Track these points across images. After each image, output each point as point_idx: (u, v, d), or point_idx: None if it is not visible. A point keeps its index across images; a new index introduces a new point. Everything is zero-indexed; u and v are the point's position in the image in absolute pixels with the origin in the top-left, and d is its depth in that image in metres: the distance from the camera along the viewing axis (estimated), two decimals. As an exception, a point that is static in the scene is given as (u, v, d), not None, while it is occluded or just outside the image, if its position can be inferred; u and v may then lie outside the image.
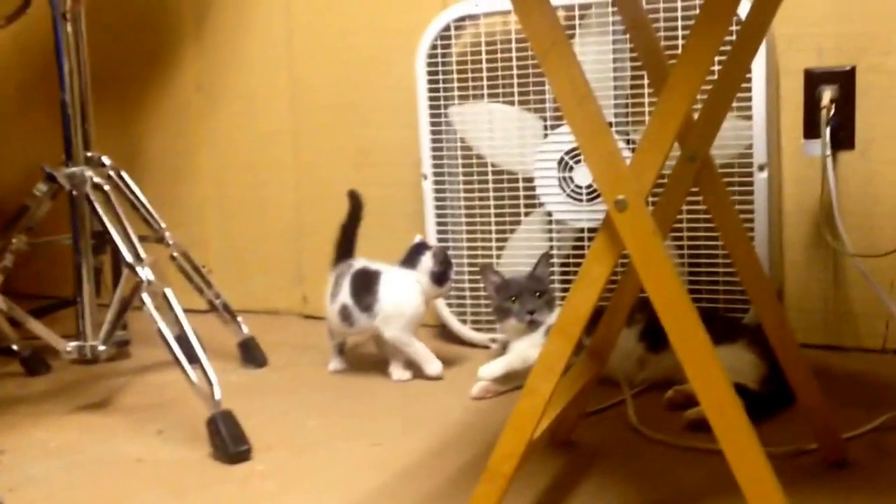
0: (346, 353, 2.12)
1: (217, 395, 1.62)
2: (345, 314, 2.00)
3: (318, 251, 2.53)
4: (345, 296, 2.00)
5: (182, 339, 1.67)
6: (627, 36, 1.94)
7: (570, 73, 1.07)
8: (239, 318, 2.17)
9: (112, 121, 2.71)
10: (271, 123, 2.57)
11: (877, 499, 1.35)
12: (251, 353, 2.15)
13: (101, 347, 1.82)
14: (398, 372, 2.02)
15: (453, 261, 2.05)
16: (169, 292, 1.72)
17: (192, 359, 1.65)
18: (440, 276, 1.99)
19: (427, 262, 1.99)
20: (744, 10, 1.64)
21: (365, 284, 2.00)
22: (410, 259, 2.01)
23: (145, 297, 1.70)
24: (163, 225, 2.09)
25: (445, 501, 1.39)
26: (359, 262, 2.05)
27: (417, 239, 2.07)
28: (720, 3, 1.02)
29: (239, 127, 2.62)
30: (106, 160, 2.00)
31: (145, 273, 1.73)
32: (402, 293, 1.99)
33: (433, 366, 2.00)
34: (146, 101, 2.72)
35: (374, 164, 2.43)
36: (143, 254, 1.76)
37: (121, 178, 2.03)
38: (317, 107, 2.49)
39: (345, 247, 2.08)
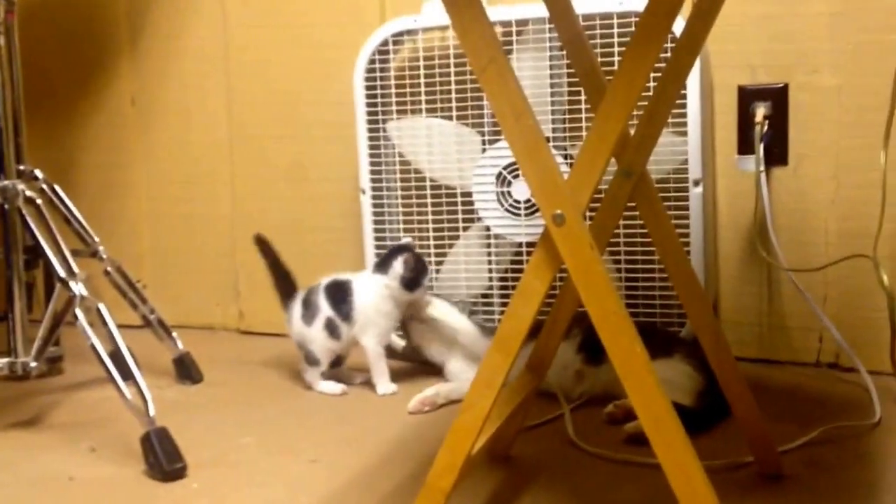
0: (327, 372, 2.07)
1: (151, 412, 1.60)
2: (331, 328, 1.99)
3: (254, 266, 2.49)
4: (326, 310, 1.99)
5: (116, 356, 1.65)
6: (564, 52, 1.95)
7: (507, 88, 1.08)
8: (174, 334, 2.14)
9: (45, 134, 2.67)
10: (207, 137, 2.54)
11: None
12: (186, 369, 2.12)
13: (33, 364, 1.78)
14: (384, 385, 2.00)
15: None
16: (102, 308, 1.69)
17: (126, 375, 1.63)
18: (411, 282, 1.97)
19: (398, 267, 1.97)
20: (678, 28, 1.66)
21: (341, 294, 2.00)
22: (384, 263, 2.00)
23: (78, 312, 1.67)
24: (96, 239, 2.06)
25: (383, 518, 1.39)
26: (325, 279, 2.04)
27: (404, 240, 2.05)
28: (655, 22, 1.03)
29: (174, 141, 2.59)
30: (39, 174, 1.97)
31: (78, 288, 1.70)
32: (372, 298, 1.99)
33: (385, 387, 1.99)
34: (80, 115, 2.68)
35: (310, 179, 2.42)
36: (76, 269, 1.73)
37: (54, 191, 2.00)
38: (253, 121, 2.47)
39: (284, 281, 2.08)
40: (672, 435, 1.07)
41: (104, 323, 1.69)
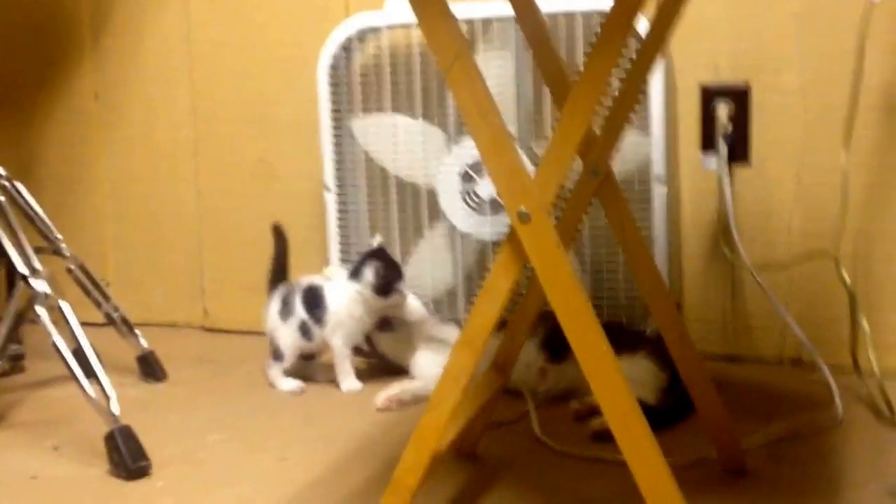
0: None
1: (115, 410, 1.59)
2: (304, 329, 2.00)
3: (219, 263, 2.51)
4: (300, 313, 2.00)
5: (79, 354, 1.63)
6: (530, 51, 1.96)
7: (473, 87, 1.08)
8: (137, 332, 2.12)
9: (5, 130, 2.64)
10: (171, 134, 2.53)
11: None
12: (150, 368, 2.11)
13: (-7, 363, 1.77)
14: (348, 383, 2.01)
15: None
16: (65, 305, 1.68)
17: (89, 373, 1.62)
18: (383, 288, 1.97)
19: (368, 275, 1.97)
20: (642, 27, 1.67)
21: (315, 299, 2.00)
22: (357, 270, 2.00)
23: (40, 310, 1.65)
24: (59, 236, 2.04)
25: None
26: (305, 280, 2.05)
27: (375, 243, 2.04)
28: (619, 22, 1.04)
29: (138, 137, 2.57)
30: (0, 170, 1.95)
31: (40, 286, 1.68)
32: (344, 304, 1.99)
33: (349, 384, 2.00)
34: (42, 111, 2.65)
35: (275, 176, 2.41)
36: (38, 266, 1.71)
37: (15, 188, 1.98)
38: (218, 118, 2.46)
39: (278, 274, 2.09)
40: (637, 432, 1.08)
41: (67, 321, 1.67)
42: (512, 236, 1.11)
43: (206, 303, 2.55)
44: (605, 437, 1.62)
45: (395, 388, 1.89)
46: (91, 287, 2.10)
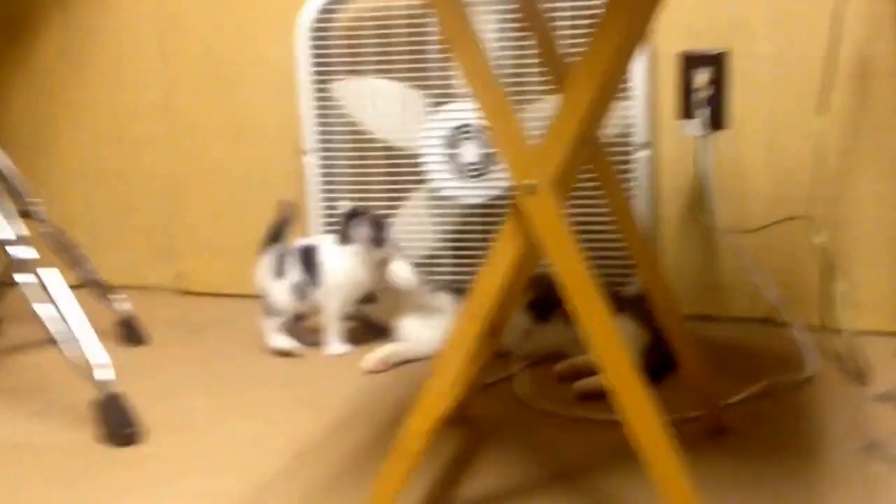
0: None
1: (105, 377, 1.58)
2: (298, 290, 2.01)
3: (192, 226, 2.50)
4: (295, 273, 2.01)
5: (64, 320, 1.62)
6: (511, 16, 1.97)
7: (477, 58, 1.09)
8: (117, 295, 2.11)
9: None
10: (140, 96, 2.50)
11: (752, 463, 1.41)
12: (131, 331, 2.11)
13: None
14: (334, 346, 2.04)
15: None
16: (54, 272, 1.66)
17: (76, 339, 1.61)
18: (378, 240, 1.99)
19: (363, 230, 1.98)
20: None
21: (311, 259, 2.01)
22: (346, 233, 2.00)
23: (28, 277, 1.64)
24: (35, 200, 2.02)
25: (347, 480, 1.40)
26: (299, 241, 2.06)
27: (344, 208, 2.04)
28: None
29: (105, 98, 2.54)
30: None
31: (28, 252, 1.67)
32: (343, 267, 2.01)
33: (336, 347, 2.03)
34: (6, 68, 2.61)
35: (249, 141, 2.40)
36: (24, 231, 1.69)
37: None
38: (188, 79, 2.44)
39: (273, 239, 2.08)
40: (637, 395, 1.10)
41: (51, 287, 1.66)
42: (516, 208, 1.12)
43: (179, 265, 2.54)
44: (589, 397, 1.67)
45: (382, 351, 1.90)
46: (68, 250, 2.08)
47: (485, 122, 1.11)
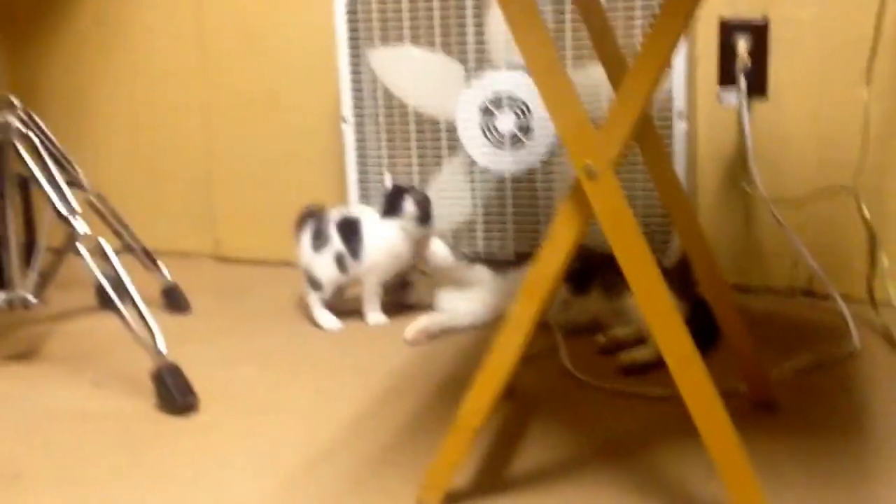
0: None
1: (161, 347, 1.62)
2: (340, 262, 2.02)
3: (230, 193, 2.52)
4: (337, 244, 2.02)
5: (120, 291, 1.66)
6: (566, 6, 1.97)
7: (540, 41, 1.10)
8: (160, 263, 2.14)
9: (4, 55, 2.61)
10: (176, 63, 2.51)
11: (802, 439, 1.44)
12: (175, 300, 2.14)
13: (33, 300, 1.78)
14: (374, 315, 2.06)
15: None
16: (104, 243, 1.69)
17: (134, 310, 1.65)
18: (424, 217, 2.01)
19: (409, 207, 1.99)
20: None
21: (352, 231, 2.02)
22: (391, 207, 2.01)
23: (82, 248, 1.67)
24: (78, 169, 2.04)
25: (401, 451, 1.43)
26: (338, 212, 2.06)
27: (389, 182, 2.06)
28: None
29: (140, 65, 2.55)
30: (15, 101, 1.94)
31: (81, 226, 1.70)
32: (387, 242, 2.02)
33: (376, 317, 2.06)
34: (42, 34, 2.62)
35: (286, 108, 2.41)
36: (75, 205, 1.72)
37: (32, 120, 1.97)
38: (225, 48, 2.45)
39: (310, 211, 2.09)
40: (697, 373, 1.13)
41: (107, 258, 1.69)
42: (576, 189, 1.14)
43: (218, 232, 2.56)
44: (632, 371, 1.70)
45: (423, 321, 1.93)
46: (111, 218, 2.11)
47: (546, 105, 1.12)
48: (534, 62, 1.12)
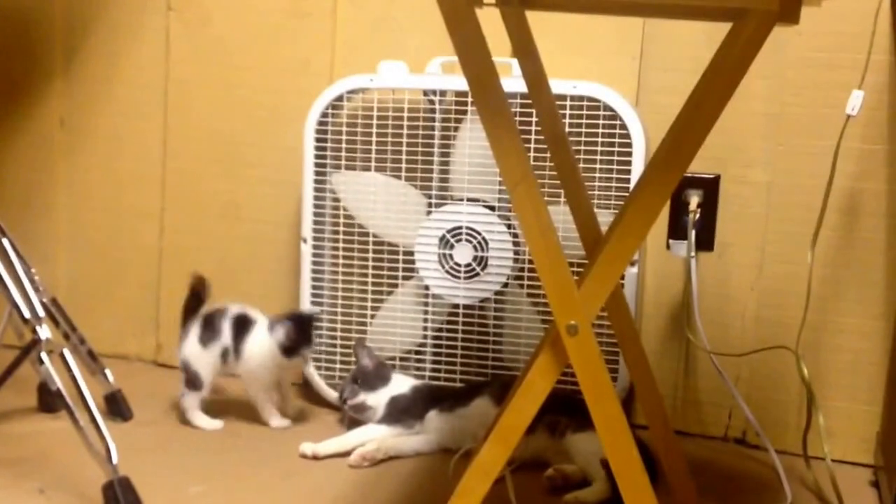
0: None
1: (114, 460, 1.61)
2: (224, 356, 2.09)
3: (177, 299, 2.50)
4: (226, 339, 2.09)
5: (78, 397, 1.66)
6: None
7: (535, 206, 1.17)
8: (106, 369, 2.13)
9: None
10: (138, 167, 2.53)
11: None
12: (118, 406, 2.12)
13: (-19, 401, 1.77)
14: (275, 420, 2.12)
15: (316, 335, 2.16)
16: (66, 352, 1.70)
17: (89, 420, 1.64)
18: (288, 350, 2.08)
19: (279, 333, 2.08)
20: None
21: (244, 330, 2.10)
22: (273, 324, 2.10)
23: (44, 356, 1.67)
24: (33, 270, 2.04)
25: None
26: (238, 308, 2.14)
27: (308, 310, 2.17)
28: (674, 152, 1.14)
29: (102, 168, 2.56)
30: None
31: (44, 332, 1.70)
32: (259, 350, 2.10)
33: (277, 421, 2.13)
34: (4, 131, 2.62)
35: (245, 219, 2.44)
36: (40, 311, 1.72)
37: (-3, 221, 1.98)
38: (188, 156, 2.47)
39: (193, 309, 2.16)
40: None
41: (66, 364, 1.69)
42: (555, 343, 1.19)
43: (161, 337, 2.56)
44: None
45: (370, 446, 1.94)
46: (61, 320, 2.10)
47: (536, 264, 1.18)
48: (529, 227, 1.18)
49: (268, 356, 2.08)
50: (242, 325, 2.11)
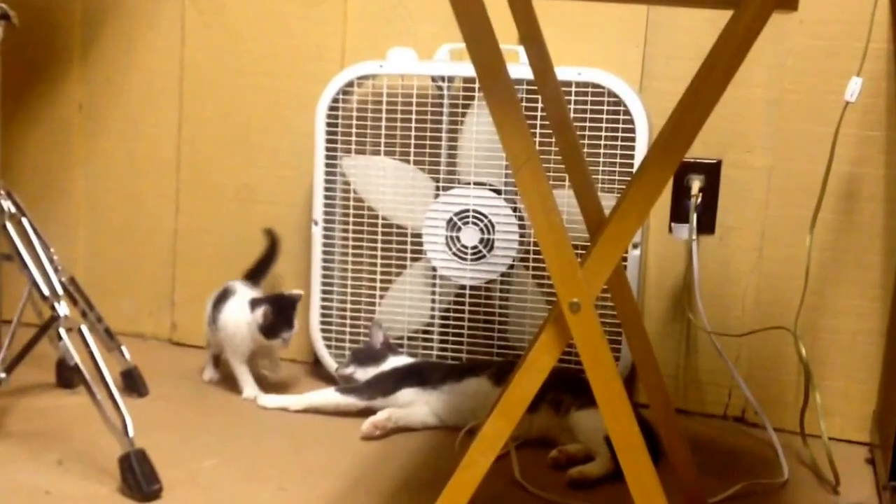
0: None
1: (130, 433, 1.67)
2: (209, 322, 2.26)
3: (192, 279, 2.58)
4: (209, 307, 2.27)
5: (95, 375, 1.71)
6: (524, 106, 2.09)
7: (539, 187, 1.21)
8: (122, 346, 2.19)
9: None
10: (154, 151, 2.59)
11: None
12: (134, 383, 2.18)
13: (2, 375, 1.82)
14: (248, 390, 2.21)
15: (297, 322, 2.21)
16: (84, 328, 1.75)
17: (106, 394, 1.69)
18: (267, 331, 2.16)
19: (257, 313, 2.15)
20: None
21: (221, 299, 2.24)
22: (255, 302, 2.18)
23: (62, 332, 1.73)
24: (52, 249, 2.09)
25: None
26: (235, 283, 2.28)
27: (292, 292, 2.22)
28: (675, 136, 1.19)
29: (119, 151, 2.62)
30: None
31: (63, 309, 1.75)
32: (234, 320, 2.20)
33: (249, 390, 2.21)
34: (24, 115, 2.67)
35: (257, 202, 2.50)
36: (59, 288, 1.78)
37: (13, 200, 2.02)
38: (203, 140, 2.53)
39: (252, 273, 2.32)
40: (653, 490, 1.22)
41: (84, 341, 1.75)
42: (558, 320, 1.24)
43: (176, 317, 2.62)
44: (581, 485, 1.79)
45: (381, 415, 2.00)
46: (78, 297, 2.15)
47: (539, 243, 1.23)
48: (533, 208, 1.22)
49: (244, 329, 2.17)
50: (223, 296, 2.24)
